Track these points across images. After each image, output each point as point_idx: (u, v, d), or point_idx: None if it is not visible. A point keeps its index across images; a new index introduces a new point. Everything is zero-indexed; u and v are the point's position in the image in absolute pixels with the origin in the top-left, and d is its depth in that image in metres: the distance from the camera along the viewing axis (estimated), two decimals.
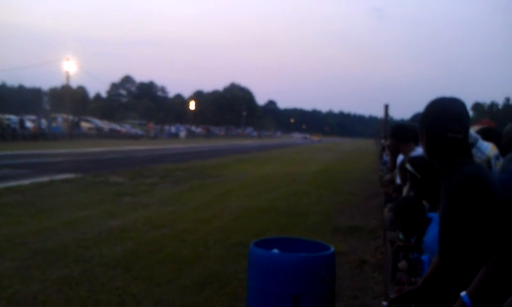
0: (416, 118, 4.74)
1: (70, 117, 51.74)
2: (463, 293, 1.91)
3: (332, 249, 3.60)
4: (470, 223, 2.01)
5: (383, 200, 8.19)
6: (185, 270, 6.06)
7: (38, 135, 39.57)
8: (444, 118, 2.14)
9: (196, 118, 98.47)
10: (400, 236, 3.71)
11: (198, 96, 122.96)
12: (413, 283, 2.67)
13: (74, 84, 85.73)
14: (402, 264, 3.22)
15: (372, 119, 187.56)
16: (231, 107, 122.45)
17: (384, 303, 2.57)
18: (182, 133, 70.60)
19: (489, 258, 1.90)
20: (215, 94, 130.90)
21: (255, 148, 47.56)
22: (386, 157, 11.15)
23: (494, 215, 1.97)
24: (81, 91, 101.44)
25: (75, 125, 50.44)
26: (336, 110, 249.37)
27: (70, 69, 55.67)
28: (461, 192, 2.03)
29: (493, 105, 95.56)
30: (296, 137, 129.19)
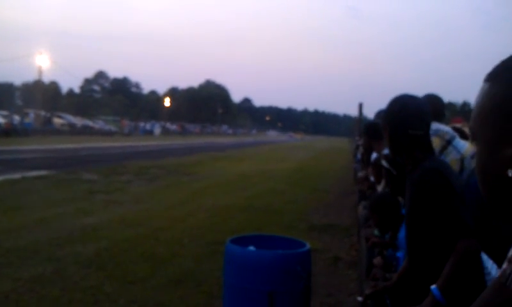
0: (380, 115, 4.79)
1: (43, 113, 50.91)
2: (433, 287, 1.94)
3: (308, 245, 3.62)
4: (432, 216, 2.06)
5: (357, 198, 8.29)
6: (160, 268, 6.03)
7: (10, 131, 38.81)
8: (405, 115, 2.21)
9: (171, 114, 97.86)
10: (376, 232, 3.76)
11: (173, 92, 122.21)
12: (387, 279, 2.71)
13: (47, 79, 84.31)
14: (377, 260, 3.26)
15: (346, 118, 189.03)
16: (206, 104, 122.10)
17: (360, 298, 2.61)
18: (157, 131, 70.09)
19: (455, 248, 1.94)
20: (190, 91, 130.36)
21: (230, 145, 47.53)
22: (360, 155, 11.27)
23: (455, 205, 2.01)
24: (54, 86, 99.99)
25: (48, 121, 49.67)
26: (311, 108, 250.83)
27: (42, 64, 54.80)
28: (421, 186, 2.10)
29: (465, 104, 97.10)
30: (271, 135, 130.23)
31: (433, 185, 2.05)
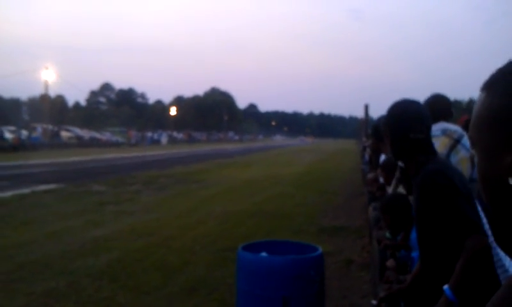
0: (381, 120, 4.79)
1: (50, 126, 51.17)
2: (445, 287, 1.94)
3: (320, 250, 3.61)
4: (439, 217, 2.06)
5: (367, 199, 8.26)
6: (172, 277, 6.03)
7: (18, 146, 39.05)
8: (406, 119, 2.24)
9: (177, 123, 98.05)
10: (387, 234, 3.75)
11: (179, 101, 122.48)
12: (401, 281, 2.70)
13: (53, 93, 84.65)
14: (390, 262, 3.25)
15: (352, 120, 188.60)
16: (212, 111, 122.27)
17: (374, 302, 2.59)
18: (164, 140, 70.26)
19: (464, 247, 1.93)
20: (195, 99, 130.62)
21: (237, 152, 47.55)
22: (368, 157, 11.24)
23: (460, 204, 2.02)
24: (60, 99, 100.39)
25: (55, 135, 49.93)
26: (316, 111, 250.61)
27: (48, 78, 55.07)
28: (425, 189, 2.12)
29: (471, 101, 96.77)
30: (278, 139, 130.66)
31: (437, 187, 2.06)
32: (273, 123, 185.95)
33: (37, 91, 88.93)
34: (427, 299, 2.13)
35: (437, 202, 2.05)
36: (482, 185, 0.85)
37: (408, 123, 2.22)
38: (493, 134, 0.79)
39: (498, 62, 0.85)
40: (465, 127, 6.21)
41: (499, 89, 0.79)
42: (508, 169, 0.77)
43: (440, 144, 3.44)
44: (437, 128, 3.56)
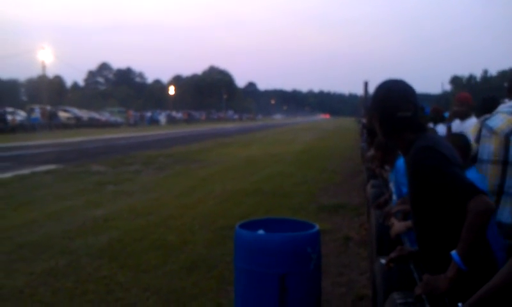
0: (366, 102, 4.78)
1: (48, 107, 50.98)
2: (453, 252, 1.93)
3: (317, 227, 3.63)
4: (436, 189, 2.05)
5: (366, 177, 8.27)
6: (171, 256, 6.07)
7: (17, 127, 38.99)
8: (392, 99, 2.27)
9: (176, 102, 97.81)
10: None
11: (177, 80, 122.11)
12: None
13: (51, 73, 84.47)
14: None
15: (352, 97, 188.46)
16: (211, 90, 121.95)
17: (383, 260, 2.59)
18: (163, 119, 70.09)
19: (467, 211, 1.92)
20: (194, 78, 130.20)
21: (236, 131, 47.52)
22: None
23: (454, 171, 2.03)
24: (58, 80, 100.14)
25: (54, 116, 49.70)
26: (316, 89, 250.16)
27: (45, 59, 54.82)
28: (417, 165, 2.14)
29: (471, 77, 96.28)
30: (278, 118, 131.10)
31: (428, 160, 2.07)
32: (272, 102, 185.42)
33: (35, 72, 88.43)
34: (437, 264, 2.12)
35: (432, 176, 2.05)
36: None
37: (395, 102, 2.25)
38: None
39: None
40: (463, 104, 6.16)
41: None
42: None
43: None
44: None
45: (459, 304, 1.62)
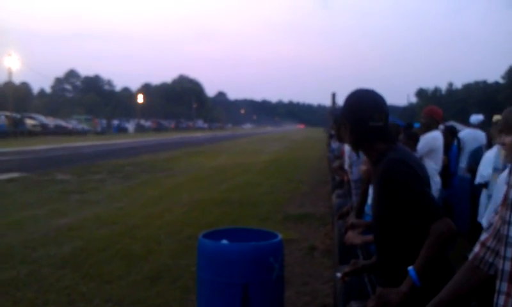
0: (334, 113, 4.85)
1: (14, 114, 49.85)
2: (410, 268, 1.96)
3: (279, 236, 3.65)
4: (402, 204, 2.07)
5: (331, 187, 8.37)
6: (135, 266, 6.01)
7: None
8: (364, 108, 2.23)
9: (145, 111, 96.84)
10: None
11: (146, 88, 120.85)
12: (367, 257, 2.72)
13: (17, 80, 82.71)
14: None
15: (320, 108, 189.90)
16: (180, 99, 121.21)
17: (338, 274, 2.61)
18: (131, 128, 69.34)
19: (429, 232, 1.95)
20: (164, 87, 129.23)
21: (206, 140, 47.37)
22: (334, 145, 11.38)
23: (423, 190, 2.05)
24: (24, 87, 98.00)
25: (19, 123, 48.63)
26: (285, 100, 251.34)
27: (12, 65, 53.64)
28: (387, 177, 2.12)
29: (436, 90, 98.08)
30: (248, 128, 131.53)
31: (399, 174, 2.07)
32: (242, 111, 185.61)
33: (1, 79, 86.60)
34: (391, 277, 2.15)
35: (401, 189, 2.06)
36: None
37: (367, 112, 2.21)
38: None
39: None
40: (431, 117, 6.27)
41: None
42: None
43: None
44: None
45: None
